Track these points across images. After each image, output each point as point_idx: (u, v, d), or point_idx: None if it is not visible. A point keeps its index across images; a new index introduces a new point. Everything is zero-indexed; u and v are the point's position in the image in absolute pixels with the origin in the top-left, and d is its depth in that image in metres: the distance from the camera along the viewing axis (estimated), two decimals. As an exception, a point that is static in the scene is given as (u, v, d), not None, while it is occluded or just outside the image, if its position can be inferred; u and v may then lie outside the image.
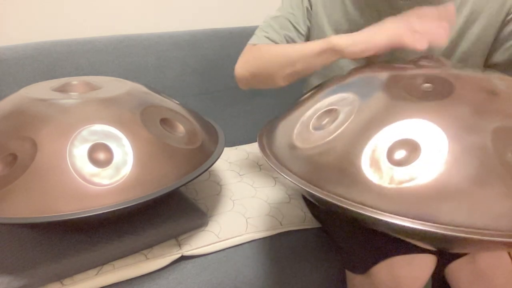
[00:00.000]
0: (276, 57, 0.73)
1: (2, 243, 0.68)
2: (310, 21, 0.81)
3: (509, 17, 0.71)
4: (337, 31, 0.78)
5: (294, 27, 0.79)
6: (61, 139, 0.60)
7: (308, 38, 0.83)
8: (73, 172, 0.58)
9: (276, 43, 0.77)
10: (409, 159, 0.46)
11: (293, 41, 0.79)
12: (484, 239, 0.40)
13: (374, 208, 0.45)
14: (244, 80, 0.79)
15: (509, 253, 0.69)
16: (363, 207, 0.45)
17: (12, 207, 0.55)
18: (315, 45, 0.67)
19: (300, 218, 0.86)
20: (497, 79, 0.56)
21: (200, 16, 1.25)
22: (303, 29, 0.79)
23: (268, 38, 0.78)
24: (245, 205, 0.88)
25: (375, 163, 0.47)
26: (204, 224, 0.80)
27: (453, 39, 0.74)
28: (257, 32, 0.81)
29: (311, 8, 0.80)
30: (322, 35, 0.78)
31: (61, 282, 0.66)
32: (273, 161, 0.58)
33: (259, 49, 0.77)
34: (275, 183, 0.98)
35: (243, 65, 0.78)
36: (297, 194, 0.94)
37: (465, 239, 0.42)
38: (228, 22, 1.28)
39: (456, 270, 0.68)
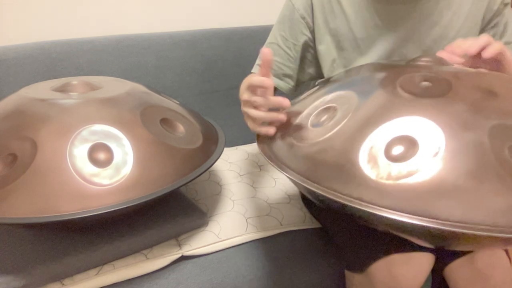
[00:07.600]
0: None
1: (2, 243, 0.68)
2: (309, 30, 0.84)
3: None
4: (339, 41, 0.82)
5: (285, 51, 0.86)
6: (61, 139, 0.60)
7: (304, 51, 0.86)
8: (73, 172, 0.58)
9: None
10: (407, 155, 0.46)
11: (285, 66, 0.87)
12: (480, 234, 0.41)
13: (372, 204, 0.45)
14: None
15: (507, 253, 0.69)
16: (361, 202, 0.45)
17: (12, 207, 0.55)
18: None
19: (300, 218, 0.86)
20: (495, 78, 0.56)
21: (200, 16, 1.25)
22: (292, 52, 0.86)
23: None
24: (245, 205, 0.88)
25: (372, 159, 0.47)
26: (204, 224, 0.80)
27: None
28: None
29: (312, 15, 0.82)
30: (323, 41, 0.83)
31: (61, 282, 0.66)
32: (271, 158, 0.58)
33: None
34: (275, 183, 0.98)
35: None
36: (297, 194, 0.94)
37: (461, 234, 0.42)
38: (228, 22, 1.28)
39: (454, 269, 0.68)
